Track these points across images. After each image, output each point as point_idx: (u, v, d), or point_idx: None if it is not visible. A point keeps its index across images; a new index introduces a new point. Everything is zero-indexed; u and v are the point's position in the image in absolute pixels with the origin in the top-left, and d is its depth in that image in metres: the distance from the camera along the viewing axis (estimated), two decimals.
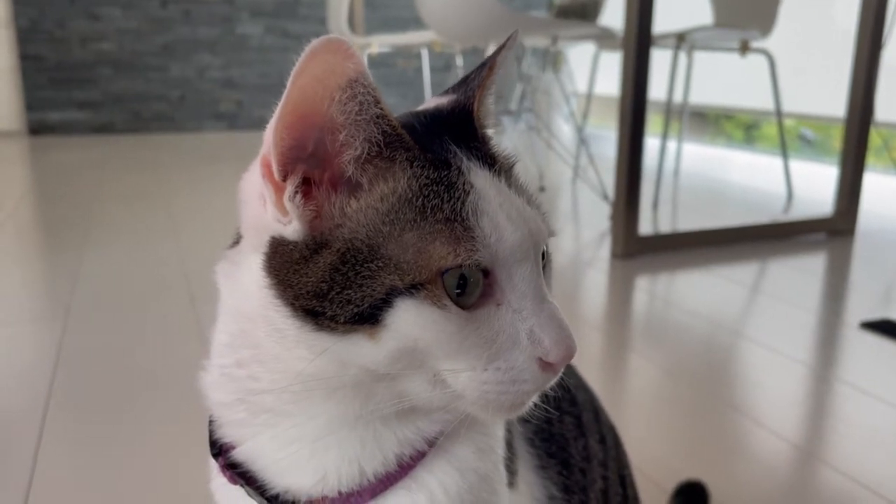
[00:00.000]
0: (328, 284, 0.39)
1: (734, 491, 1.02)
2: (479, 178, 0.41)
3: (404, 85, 5.20)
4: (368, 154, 0.39)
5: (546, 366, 0.40)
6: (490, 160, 0.43)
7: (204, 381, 0.48)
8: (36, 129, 4.55)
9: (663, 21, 2.18)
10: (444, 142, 0.42)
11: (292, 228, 0.40)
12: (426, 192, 0.39)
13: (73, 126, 4.63)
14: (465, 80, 0.47)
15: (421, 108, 0.47)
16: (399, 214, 0.39)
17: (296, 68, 0.36)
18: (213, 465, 0.49)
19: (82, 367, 1.39)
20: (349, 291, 0.38)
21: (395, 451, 0.45)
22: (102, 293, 1.81)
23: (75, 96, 4.60)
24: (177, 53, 4.77)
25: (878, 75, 2.43)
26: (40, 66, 4.50)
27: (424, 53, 4.32)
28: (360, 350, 0.39)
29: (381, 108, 0.38)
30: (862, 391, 1.33)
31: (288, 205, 0.39)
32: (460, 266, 0.38)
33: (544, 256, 0.44)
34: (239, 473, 0.46)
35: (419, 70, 4.44)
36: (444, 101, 0.47)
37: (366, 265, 0.38)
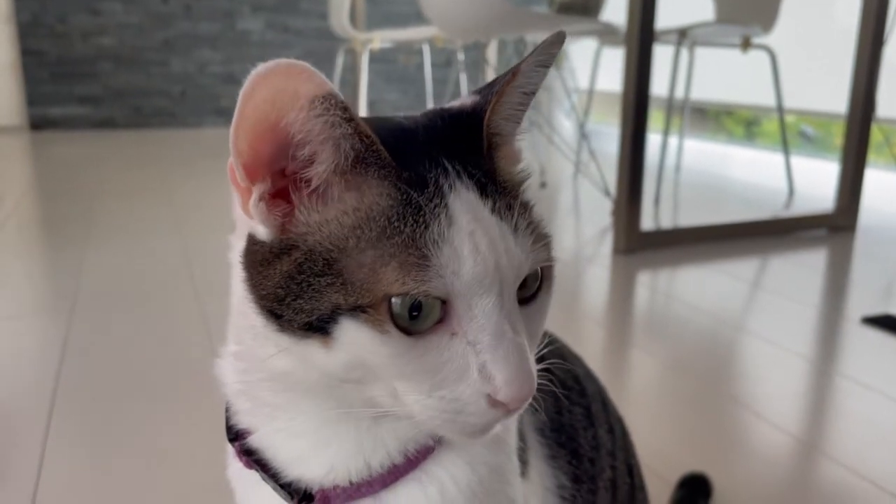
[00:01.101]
0: (284, 290, 0.39)
1: (737, 483, 1.03)
2: (459, 202, 0.39)
3: (406, 81, 5.20)
4: (337, 168, 0.39)
5: (496, 403, 0.39)
6: (483, 179, 0.41)
7: (219, 368, 0.49)
8: (37, 124, 4.56)
9: (665, 17, 2.18)
10: (437, 156, 0.41)
11: (260, 230, 0.40)
12: (391, 213, 0.39)
13: (74, 121, 4.63)
14: (492, 83, 0.46)
15: (450, 104, 0.47)
16: (363, 231, 0.39)
17: (246, 87, 0.36)
18: (230, 451, 0.50)
19: (88, 359, 1.40)
20: (301, 301, 0.39)
21: (398, 447, 0.45)
22: (107, 287, 1.81)
23: (76, 91, 4.60)
24: (178, 48, 4.77)
25: (880, 71, 2.44)
26: (41, 60, 4.49)
27: (426, 49, 4.32)
28: (315, 356, 0.39)
29: (352, 125, 0.38)
30: (863, 385, 1.34)
31: (252, 210, 0.40)
32: (407, 294, 0.37)
33: (528, 286, 0.42)
34: (254, 460, 0.47)
35: (420, 66, 4.44)
36: (469, 101, 0.45)
37: (317, 279, 0.38)
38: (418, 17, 4.04)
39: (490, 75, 4.93)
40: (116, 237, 2.27)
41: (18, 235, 2.33)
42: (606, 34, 2.88)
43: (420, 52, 4.44)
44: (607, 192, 2.70)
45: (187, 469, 1.05)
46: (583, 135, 3.05)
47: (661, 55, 2.27)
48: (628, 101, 2.11)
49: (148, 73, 4.74)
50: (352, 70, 4.66)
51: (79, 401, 1.24)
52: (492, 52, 4.61)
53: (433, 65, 4.53)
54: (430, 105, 4.30)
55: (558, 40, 0.44)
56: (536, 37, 3.29)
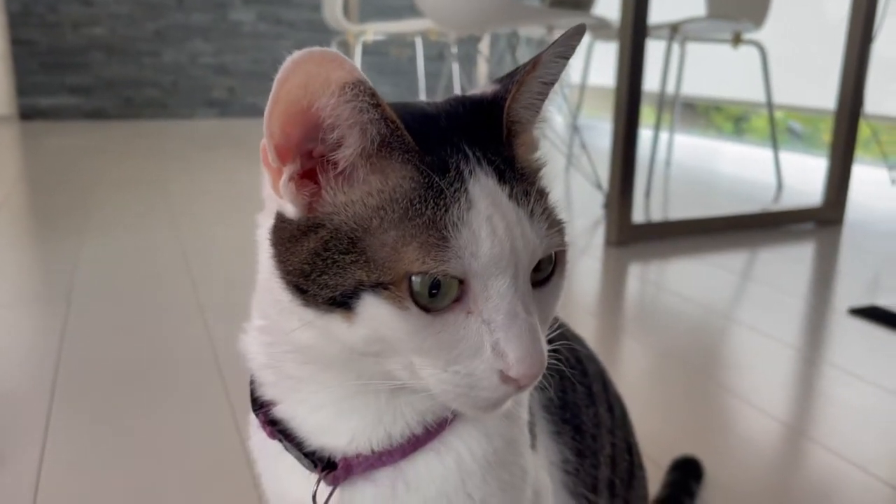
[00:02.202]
0: (310, 266, 0.41)
1: (727, 467, 1.06)
2: (478, 187, 0.41)
3: (398, 74, 5.20)
4: (364, 151, 0.41)
5: (507, 379, 0.40)
6: (502, 165, 0.43)
7: (244, 343, 0.51)
8: (27, 114, 4.53)
9: (658, 11, 2.21)
10: (458, 142, 0.42)
11: (289, 208, 0.42)
12: (414, 196, 0.40)
13: (65, 111, 4.61)
14: (513, 73, 0.47)
15: (472, 92, 0.48)
16: (386, 212, 0.40)
17: (281, 73, 0.38)
18: (253, 423, 0.52)
19: (87, 346, 1.41)
20: (325, 277, 0.41)
21: (416, 419, 0.47)
22: (103, 277, 1.82)
23: (67, 81, 4.58)
24: (169, 39, 4.76)
25: (868, 68, 2.47)
26: (32, 50, 4.47)
27: (418, 42, 4.33)
28: (338, 330, 0.41)
29: (379, 111, 0.39)
30: (850, 374, 1.37)
31: (282, 189, 0.42)
32: (426, 273, 0.39)
33: (542, 269, 0.44)
34: (278, 430, 0.49)
35: (413, 59, 4.45)
36: (490, 89, 0.47)
37: (342, 256, 0.40)
38: (411, 10, 4.05)
39: (483, 68, 4.95)
40: (112, 228, 2.28)
41: (11, 226, 2.33)
42: (598, 28, 2.90)
43: (412, 45, 4.45)
44: (599, 186, 2.73)
45: (186, 452, 1.06)
46: (574, 127, 3.07)
47: (653, 50, 2.30)
48: (621, 96, 2.13)
49: (139, 63, 4.72)
50: None
51: (79, 387, 1.25)
52: (484, 45, 4.63)
53: (426, 58, 4.54)
54: (422, 97, 4.32)
55: (578, 32, 0.46)
56: (529, 31, 3.31)
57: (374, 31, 3.78)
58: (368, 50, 4.41)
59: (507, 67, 5.10)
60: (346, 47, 4.56)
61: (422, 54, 4.43)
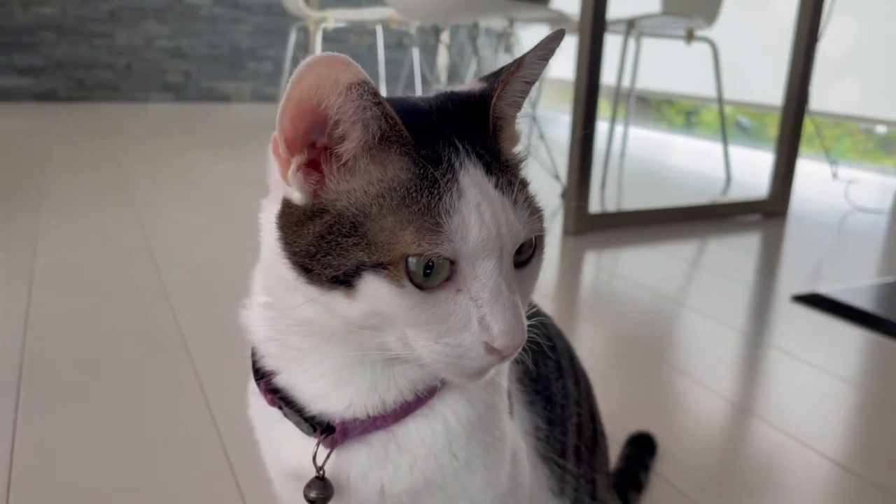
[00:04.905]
0: (315, 248, 0.45)
1: (679, 441, 1.13)
2: (468, 177, 0.45)
3: (357, 60, 5.11)
4: (365, 145, 0.45)
5: (492, 350, 0.45)
6: (488, 158, 0.47)
7: (245, 317, 0.54)
8: None
9: (615, 7, 2.27)
10: (449, 136, 0.46)
11: (296, 195, 0.46)
12: (410, 185, 0.44)
13: (14, 93, 4.48)
14: (498, 72, 0.51)
15: (460, 87, 0.52)
16: (385, 199, 0.44)
17: (295, 75, 0.43)
18: (253, 392, 0.56)
19: (53, 331, 1.41)
20: (329, 257, 0.45)
21: (408, 386, 0.52)
22: (65, 260, 1.81)
23: (16, 62, 4.45)
24: (123, 20, 4.66)
25: (814, 67, 2.58)
26: None
27: (379, 30, 4.33)
28: (339, 305, 0.45)
29: (380, 108, 0.44)
30: (792, 356, 1.46)
31: (291, 178, 0.46)
32: (422, 254, 0.43)
33: (523, 252, 0.48)
34: (279, 398, 0.53)
35: (373, 46, 4.45)
36: (477, 87, 0.51)
37: (344, 239, 0.44)
38: None
39: (444, 57, 4.97)
40: (69, 210, 2.25)
41: None
42: (559, 22, 2.96)
43: (372, 33, 4.45)
44: (557, 177, 2.80)
45: (159, 432, 1.09)
46: (533, 119, 3.13)
47: (609, 45, 2.36)
48: (580, 89, 2.19)
49: (91, 44, 4.61)
50: (304, 48, 4.64)
51: (48, 370, 1.26)
52: (445, 35, 4.65)
53: (386, 46, 4.55)
54: (382, 85, 4.33)
55: (558, 37, 0.50)
56: (491, 22, 3.35)
57: (335, 18, 3.77)
58: (329, 37, 4.39)
59: (468, 57, 5.14)
60: (305, 34, 4.54)
61: (382, 42, 4.43)
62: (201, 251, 1.94)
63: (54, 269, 1.74)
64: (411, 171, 0.45)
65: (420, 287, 0.44)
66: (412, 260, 0.43)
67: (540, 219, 0.49)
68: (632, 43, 3.13)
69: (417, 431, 0.52)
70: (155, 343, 1.38)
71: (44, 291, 1.59)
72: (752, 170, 3.39)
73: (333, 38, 4.75)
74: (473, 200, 0.44)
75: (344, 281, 0.44)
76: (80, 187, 2.56)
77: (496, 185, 0.46)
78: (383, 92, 0.54)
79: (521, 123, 0.53)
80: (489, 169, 0.46)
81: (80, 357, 1.31)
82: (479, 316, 0.45)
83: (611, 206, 2.71)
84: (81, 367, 1.27)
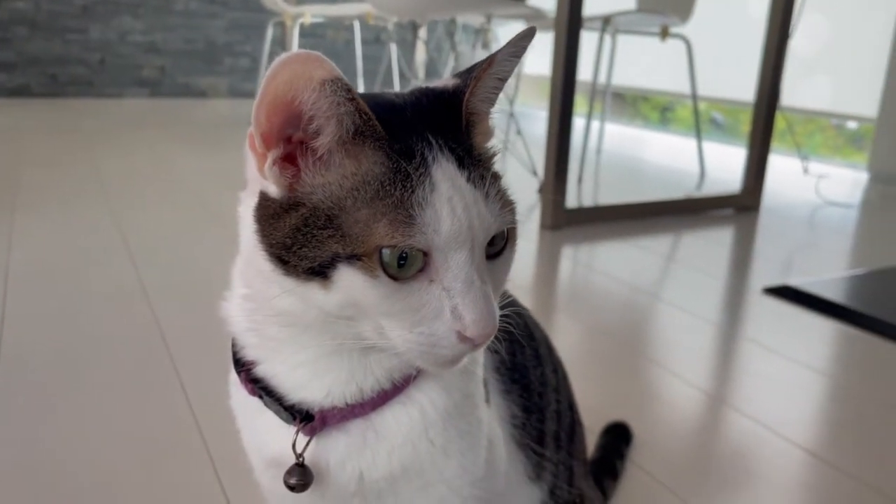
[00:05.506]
0: (291, 240, 0.46)
1: (654, 430, 1.15)
2: (440, 171, 0.46)
3: (335, 57, 5.01)
4: (340, 139, 0.46)
5: (464, 338, 0.46)
6: (461, 152, 0.48)
7: (225, 309, 0.55)
8: None
9: (590, 4, 2.29)
10: (423, 131, 0.47)
11: (273, 189, 0.47)
12: (383, 179, 0.45)
13: None
14: (471, 69, 0.52)
15: (434, 83, 0.53)
16: (359, 193, 0.45)
17: (270, 71, 0.43)
18: (234, 383, 0.57)
19: (30, 327, 1.40)
20: (305, 249, 0.46)
21: (385, 375, 0.53)
22: (40, 256, 1.80)
23: None
24: (97, 15, 4.60)
25: (785, 63, 2.63)
26: None
27: (356, 25, 4.33)
28: (315, 296, 0.46)
29: (353, 104, 0.45)
30: (764, 347, 1.49)
31: (267, 172, 0.47)
32: (395, 246, 0.44)
33: (496, 243, 0.49)
34: (259, 388, 0.54)
35: (350, 42, 4.45)
36: (450, 83, 0.52)
37: (319, 231, 0.45)
38: None
39: (422, 53, 4.98)
40: (44, 206, 2.23)
41: None
42: (535, 18, 2.98)
43: (350, 29, 4.44)
44: (534, 172, 2.82)
45: (139, 428, 1.09)
46: (511, 115, 3.15)
47: (585, 42, 2.38)
48: (556, 85, 2.21)
49: (65, 39, 4.56)
50: (281, 43, 4.62)
51: (25, 367, 1.25)
52: (423, 30, 4.66)
53: (363, 42, 4.54)
54: (359, 81, 4.32)
55: (529, 34, 0.52)
56: (468, 18, 3.36)
57: (312, 13, 3.76)
58: (306, 32, 4.38)
59: (446, 53, 5.14)
60: (282, 29, 4.52)
61: (359, 38, 4.43)
62: (178, 247, 1.93)
63: (30, 265, 1.72)
64: (385, 164, 0.46)
65: (394, 278, 0.45)
66: (386, 251, 0.44)
67: (512, 211, 0.50)
68: (607, 40, 3.16)
69: (394, 419, 0.53)
70: (133, 338, 1.37)
71: (19, 288, 1.58)
72: (726, 165, 3.44)
73: (311, 34, 4.73)
74: (446, 194, 0.45)
75: (319, 272, 0.45)
76: (55, 184, 2.54)
77: (468, 179, 0.47)
78: (361, 88, 0.55)
79: (499, 119, 0.54)
80: (462, 163, 0.47)
81: (59, 354, 1.30)
82: (452, 306, 0.46)
83: (587, 201, 2.74)
84: (62, 363, 1.27)
